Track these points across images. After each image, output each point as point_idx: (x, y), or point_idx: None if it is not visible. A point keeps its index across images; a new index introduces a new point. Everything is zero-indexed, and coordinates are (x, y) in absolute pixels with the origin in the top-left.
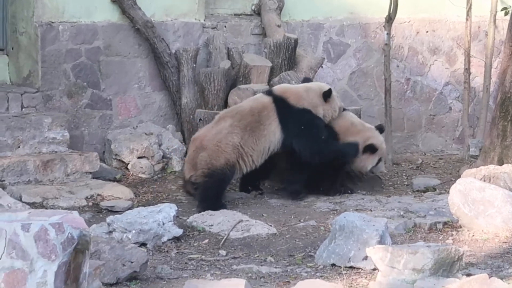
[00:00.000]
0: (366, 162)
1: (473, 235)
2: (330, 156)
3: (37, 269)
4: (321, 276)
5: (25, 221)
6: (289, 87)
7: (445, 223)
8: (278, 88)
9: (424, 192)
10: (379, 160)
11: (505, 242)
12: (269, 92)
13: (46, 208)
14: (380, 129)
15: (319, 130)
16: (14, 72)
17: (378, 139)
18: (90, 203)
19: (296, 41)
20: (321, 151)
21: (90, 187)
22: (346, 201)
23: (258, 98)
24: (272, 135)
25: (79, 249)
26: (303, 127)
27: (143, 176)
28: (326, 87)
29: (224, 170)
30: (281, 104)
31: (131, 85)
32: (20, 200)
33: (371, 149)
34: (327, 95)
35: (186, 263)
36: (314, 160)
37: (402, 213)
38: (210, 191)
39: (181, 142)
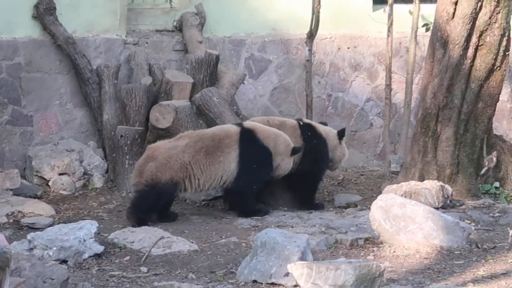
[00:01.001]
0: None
1: (394, 251)
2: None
3: None
4: None
5: None
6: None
7: (366, 239)
8: (247, 122)
9: (346, 208)
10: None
11: (426, 258)
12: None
13: None
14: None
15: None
16: None
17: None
18: (11, 220)
19: (217, 57)
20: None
21: (11, 203)
22: (267, 218)
23: (224, 127)
24: (228, 164)
25: None
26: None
27: (64, 192)
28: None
29: (166, 186)
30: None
31: (52, 102)
32: None
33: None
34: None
35: (107, 280)
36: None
37: (323, 229)
38: (146, 200)
39: (102, 159)
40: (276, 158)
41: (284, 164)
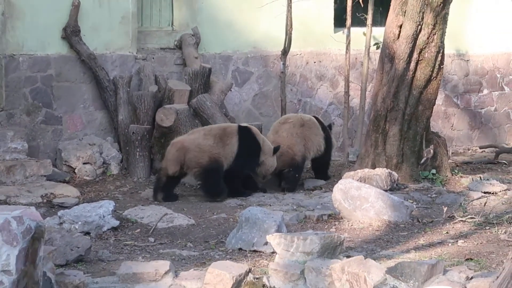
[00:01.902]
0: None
1: (352, 225)
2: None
3: (1, 253)
4: (231, 258)
5: None
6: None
7: (329, 215)
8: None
9: (313, 190)
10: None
11: (377, 230)
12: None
13: (9, 204)
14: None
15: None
16: None
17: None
18: (45, 200)
19: (210, 69)
20: None
21: (45, 187)
22: (250, 198)
23: (223, 124)
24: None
25: (36, 237)
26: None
27: (87, 178)
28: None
29: (211, 165)
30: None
31: (77, 105)
32: None
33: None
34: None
35: (122, 248)
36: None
37: (295, 207)
38: (207, 182)
39: (118, 151)
40: (261, 155)
41: (269, 162)
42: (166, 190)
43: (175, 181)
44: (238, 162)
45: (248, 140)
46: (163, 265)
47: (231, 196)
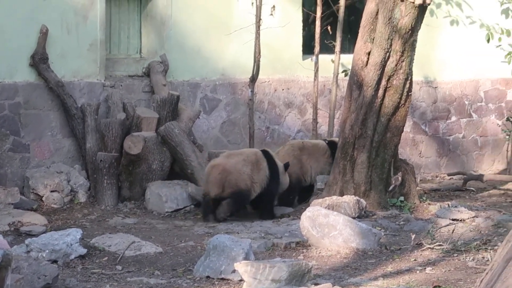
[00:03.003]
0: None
1: (320, 252)
2: None
3: None
4: (198, 286)
5: None
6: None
7: (297, 243)
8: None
9: (281, 218)
10: None
11: (345, 257)
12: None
13: None
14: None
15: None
16: None
17: None
18: (12, 228)
19: (178, 97)
20: None
21: (12, 215)
22: (218, 226)
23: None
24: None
25: (3, 265)
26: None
27: (55, 206)
28: None
29: (244, 192)
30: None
31: (45, 133)
32: None
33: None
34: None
35: (89, 276)
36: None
37: (263, 235)
38: (234, 205)
39: (86, 179)
40: (280, 174)
41: (284, 180)
42: (215, 211)
43: (219, 203)
44: (271, 185)
45: (272, 163)
46: None
47: (266, 218)
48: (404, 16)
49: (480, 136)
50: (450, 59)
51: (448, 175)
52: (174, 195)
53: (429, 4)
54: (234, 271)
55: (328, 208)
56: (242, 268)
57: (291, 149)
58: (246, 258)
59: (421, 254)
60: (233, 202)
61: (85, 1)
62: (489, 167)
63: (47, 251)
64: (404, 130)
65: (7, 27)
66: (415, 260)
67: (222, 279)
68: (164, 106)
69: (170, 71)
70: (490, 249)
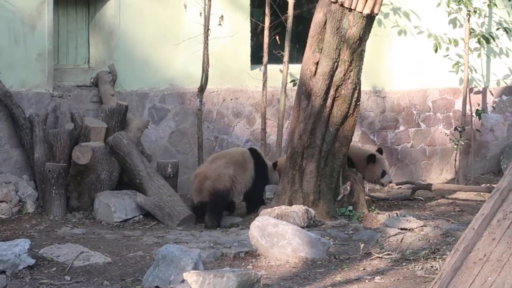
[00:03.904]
0: (370, 173)
1: (269, 262)
2: None
3: None
4: None
5: None
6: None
7: (246, 252)
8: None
9: (230, 228)
10: (383, 171)
11: (294, 267)
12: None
13: None
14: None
15: None
16: None
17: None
18: None
19: (126, 107)
20: None
21: None
22: (167, 236)
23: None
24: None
25: None
26: None
27: (3, 216)
28: None
29: (224, 193)
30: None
31: None
32: None
33: (372, 159)
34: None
35: (38, 287)
36: None
37: (212, 244)
38: (215, 207)
39: (34, 189)
40: (269, 172)
41: (274, 177)
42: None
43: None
44: (257, 184)
45: (259, 162)
46: None
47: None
48: (352, 26)
49: (428, 146)
50: (398, 69)
51: (397, 184)
52: (123, 205)
53: (377, 14)
54: (183, 281)
55: (277, 218)
56: (191, 278)
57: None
58: (195, 268)
59: (370, 263)
60: (211, 205)
61: (32, 11)
62: (438, 176)
63: None
64: (353, 139)
65: None
66: (364, 269)
67: None
68: (113, 116)
69: (118, 81)
70: (439, 258)
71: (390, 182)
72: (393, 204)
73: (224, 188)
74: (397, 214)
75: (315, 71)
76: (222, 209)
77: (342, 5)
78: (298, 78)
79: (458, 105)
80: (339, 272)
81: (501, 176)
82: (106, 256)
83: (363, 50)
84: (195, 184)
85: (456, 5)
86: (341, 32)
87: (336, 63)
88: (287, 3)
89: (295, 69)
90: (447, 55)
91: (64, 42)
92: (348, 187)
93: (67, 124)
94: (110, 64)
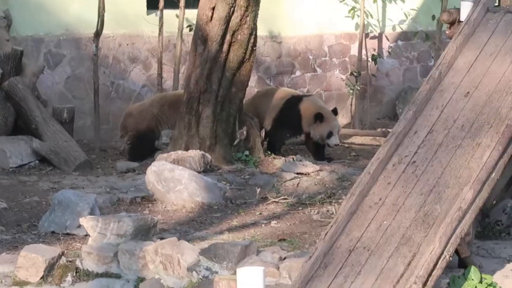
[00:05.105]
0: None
1: (165, 207)
2: None
3: None
4: (44, 242)
5: None
6: None
7: (143, 197)
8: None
9: (126, 173)
10: (330, 132)
11: (191, 212)
12: None
13: None
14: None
15: None
16: None
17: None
18: None
19: (22, 52)
20: None
21: None
22: (62, 181)
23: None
24: None
25: None
26: None
27: None
28: None
29: (146, 133)
30: None
31: None
32: None
33: (319, 117)
34: None
35: None
36: None
37: (108, 190)
38: (136, 148)
39: None
40: None
41: None
42: None
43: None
44: None
45: None
46: None
47: None
48: None
49: (325, 91)
50: (294, 14)
51: None
52: (18, 151)
53: None
54: (79, 226)
55: (174, 163)
56: (88, 223)
57: None
58: (92, 213)
59: (266, 208)
60: (131, 145)
61: None
62: None
63: None
64: (249, 85)
65: None
66: (260, 213)
67: (68, 234)
68: (8, 61)
69: (13, 26)
70: (335, 203)
71: (336, 145)
72: (289, 148)
73: (147, 128)
74: (293, 158)
75: (212, 16)
76: (140, 149)
77: None
78: (195, 23)
79: (354, 50)
80: (236, 217)
81: (397, 121)
82: (2, 201)
83: None
84: (121, 120)
85: None
86: None
87: (232, 8)
88: None
89: (192, 14)
90: (343, 0)
91: None
92: (245, 132)
93: None
94: (5, 9)
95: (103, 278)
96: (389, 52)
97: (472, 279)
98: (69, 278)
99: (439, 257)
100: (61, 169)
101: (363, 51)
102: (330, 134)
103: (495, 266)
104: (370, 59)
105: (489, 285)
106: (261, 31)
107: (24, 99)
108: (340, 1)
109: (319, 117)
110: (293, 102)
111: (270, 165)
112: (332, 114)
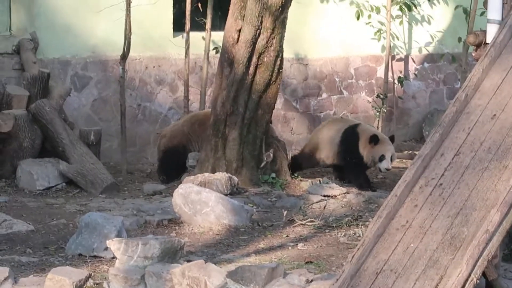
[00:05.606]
0: (369, 153)
1: (192, 229)
2: None
3: None
4: (71, 264)
5: None
6: None
7: (170, 220)
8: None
9: (153, 195)
10: (382, 155)
11: (218, 234)
12: None
13: None
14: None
15: None
16: None
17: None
18: None
19: (48, 74)
20: None
21: None
22: (89, 203)
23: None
24: None
25: None
26: None
27: None
28: None
29: (177, 149)
30: None
31: None
32: None
33: (374, 140)
34: None
35: None
36: None
37: (135, 212)
38: (165, 164)
39: None
40: None
41: None
42: None
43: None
44: None
45: None
46: (2, 271)
47: None
48: None
49: (351, 113)
50: (321, 36)
51: None
52: (45, 173)
53: None
54: (106, 248)
55: (200, 185)
56: (114, 245)
57: None
58: (119, 235)
59: (293, 230)
60: (161, 160)
61: None
62: None
63: None
64: (276, 107)
65: None
66: (287, 236)
67: (95, 256)
68: (35, 83)
69: (40, 48)
70: (361, 225)
71: (388, 170)
72: (316, 171)
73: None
74: (319, 181)
75: (238, 39)
76: (170, 165)
77: None
78: (221, 45)
79: (380, 73)
80: (262, 239)
81: (423, 143)
82: (29, 224)
83: (286, 17)
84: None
85: None
86: None
87: (258, 31)
88: None
89: (218, 37)
90: (369, 22)
91: None
92: (271, 154)
93: None
94: (32, 31)
95: None
96: (415, 74)
97: None
98: None
99: (466, 280)
100: (88, 191)
101: (389, 73)
102: (382, 158)
103: None
104: (396, 82)
105: None
106: (287, 53)
107: (51, 121)
108: (366, 23)
109: (373, 140)
110: (351, 130)
111: (297, 188)
112: (388, 139)
